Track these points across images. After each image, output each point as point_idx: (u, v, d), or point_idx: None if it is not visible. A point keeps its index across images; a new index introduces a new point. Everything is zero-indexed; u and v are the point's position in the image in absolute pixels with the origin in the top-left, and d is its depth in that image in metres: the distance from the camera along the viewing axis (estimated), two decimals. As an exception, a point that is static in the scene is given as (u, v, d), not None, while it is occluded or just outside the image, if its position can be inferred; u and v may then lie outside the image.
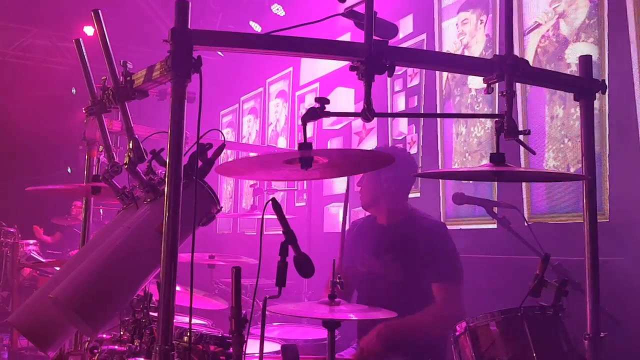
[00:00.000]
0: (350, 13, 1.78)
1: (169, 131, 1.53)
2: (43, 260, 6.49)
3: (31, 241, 6.72)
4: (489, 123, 4.00)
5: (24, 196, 2.96)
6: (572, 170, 3.45)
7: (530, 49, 3.75)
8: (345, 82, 5.45)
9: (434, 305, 2.73)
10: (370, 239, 3.01)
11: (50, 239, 7.74)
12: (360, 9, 1.71)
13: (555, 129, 3.56)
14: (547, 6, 3.68)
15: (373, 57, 1.63)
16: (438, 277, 2.74)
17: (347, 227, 3.04)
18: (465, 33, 4.32)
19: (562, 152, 3.51)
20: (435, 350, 2.74)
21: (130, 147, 1.84)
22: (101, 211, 6.29)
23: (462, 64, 2.09)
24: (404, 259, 2.81)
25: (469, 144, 4.17)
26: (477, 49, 4.20)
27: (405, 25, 4.83)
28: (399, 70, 4.75)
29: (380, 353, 2.65)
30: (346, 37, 5.14)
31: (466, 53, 4.21)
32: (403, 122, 4.78)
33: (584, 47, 3.39)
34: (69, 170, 6.72)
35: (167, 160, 1.52)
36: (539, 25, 3.73)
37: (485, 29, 4.14)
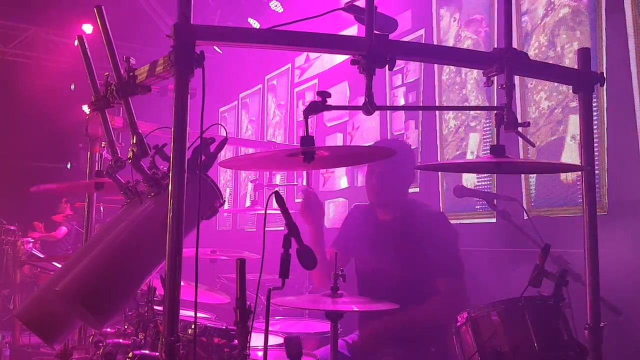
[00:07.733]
0: (350, 7, 1.79)
1: (173, 125, 1.54)
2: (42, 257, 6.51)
3: (31, 239, 6.73)
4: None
5: (24, 194, 2.97)
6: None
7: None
8: (343, 79, 5.47)
9: (438, 295, 2.74)
10: (373, 236, 2.97)
11: (58, 234, 7.72)
12: (361, 3, 1.72)
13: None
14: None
15: (374, 51, 1.64)
16: (440, 273, 2.76)
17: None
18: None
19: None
20: (437, 340, 2.75)
21: (134, 141, 1.85)
22: (102, 209, 6.30)
23: (461, 57, 2.10)
24: (407, 253, 2.81)
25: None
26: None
27: (404, 21, 4.83)
28: (397, 65, 4.74)
29: (382, 344, 2.66)
30: (352, 32, 5.12)
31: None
32: (402, 118, 4.79)
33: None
34: (68, 165, 6.73)
35: (171, 154, 1.53)
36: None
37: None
